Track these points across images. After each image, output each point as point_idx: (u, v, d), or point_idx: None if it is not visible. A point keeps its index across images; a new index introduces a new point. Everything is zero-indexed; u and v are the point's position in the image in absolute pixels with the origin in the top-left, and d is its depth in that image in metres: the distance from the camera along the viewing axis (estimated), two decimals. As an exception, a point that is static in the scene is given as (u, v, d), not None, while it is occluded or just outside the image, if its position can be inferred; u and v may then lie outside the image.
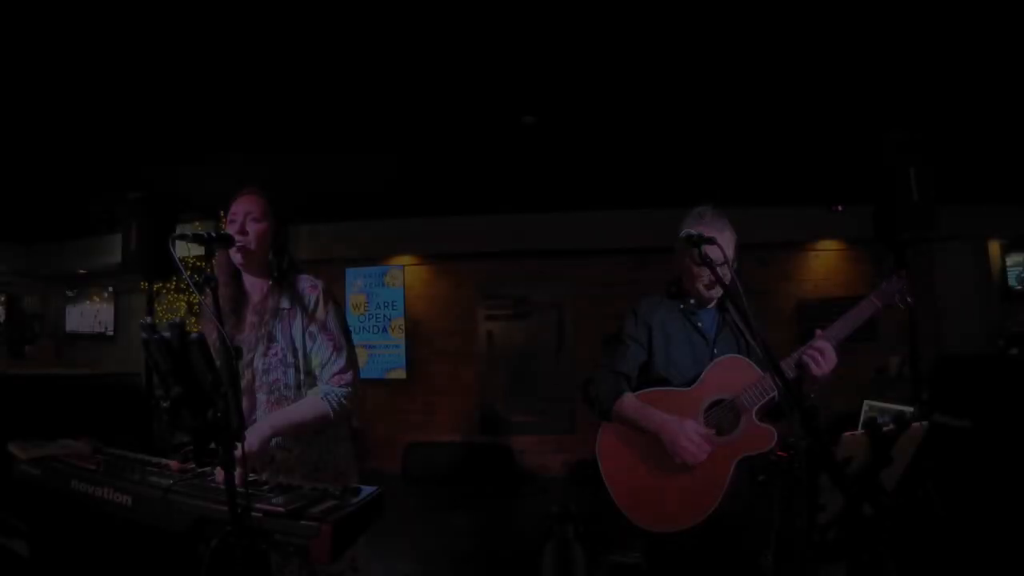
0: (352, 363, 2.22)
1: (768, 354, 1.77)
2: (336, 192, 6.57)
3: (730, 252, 2.28)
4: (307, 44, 3.54)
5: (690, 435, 2.14)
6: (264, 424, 2.00)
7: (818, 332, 2.22)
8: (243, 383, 2.13)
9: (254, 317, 2.18)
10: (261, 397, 2.16)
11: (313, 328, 2.19)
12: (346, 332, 2.27)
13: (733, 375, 2.24)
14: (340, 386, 2.15)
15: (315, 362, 2.19)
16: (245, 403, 2.13)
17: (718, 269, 2.07)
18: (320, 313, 2.20)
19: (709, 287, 2.31)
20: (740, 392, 2.20)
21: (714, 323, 2.40)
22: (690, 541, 2.21)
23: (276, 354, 2.16)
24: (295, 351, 2.18)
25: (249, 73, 3.85)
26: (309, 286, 2.23)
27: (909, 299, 2.29)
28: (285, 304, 2.19)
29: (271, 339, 2.16)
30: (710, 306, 2.41)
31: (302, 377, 2.20)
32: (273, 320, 2.17)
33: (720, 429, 2.22)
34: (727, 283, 2.14)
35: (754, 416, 2.19)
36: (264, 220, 2.19)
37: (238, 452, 1.52)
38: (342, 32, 3.42)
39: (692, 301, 2.40)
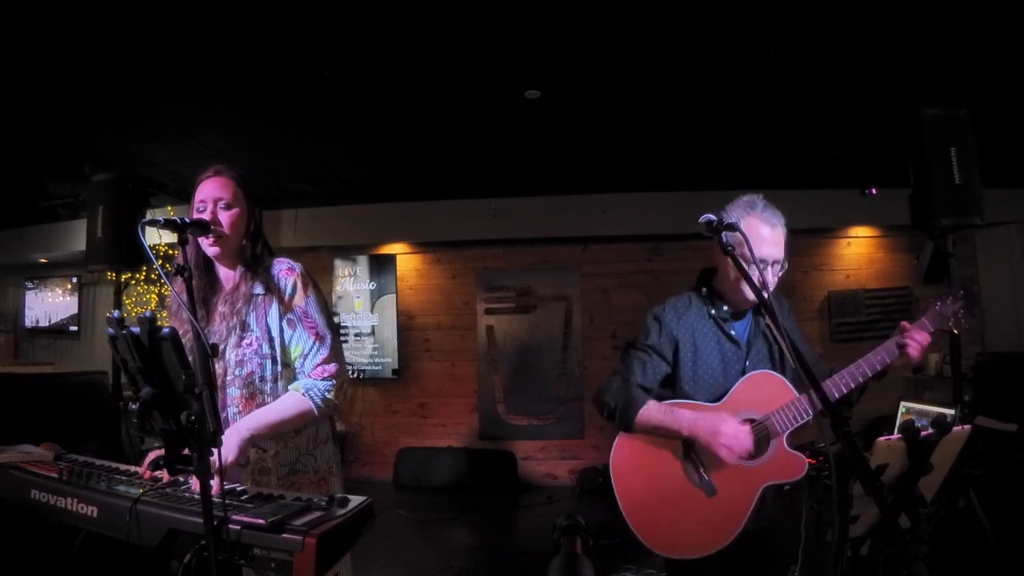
0: (336, 354, 2.20)
1: (807, 372, 1.72)
2: (322, 174, 6.56)
3: (779, 252, 2.26)
4: (293, 11, 3.52)
5: (729, 429, 2.12)
6: (241, 426, 1.98)
7: (904, 324, 2.21)
8: None
9: (224, 307, 2.16)
10: (234, 392, 2.14)
11: (292, 316, 2.17)
12: (329, 320, 2.25)
13: (765, 393, 2.22)
14: (323, 379, 2.13)
15: (295, 353, 2.18)
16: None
17: (748, 267, 2.03)
18: (299, 299, 2.18)
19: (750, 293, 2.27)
20: (771, 413, 2.18)
21: (747, 329, 2.36)
22: (712, 559, 2.21)
23: (251, 344, 2.14)
24: (271, 341, 2.16)
25: (228, 40, 3.82)
26: (286, 269, 2.21)
27: (965, 323, 2.26)
28: (259, 290, 2.17)
29: (244, 328, 2.14)
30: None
31: (279, 369, 2.18)
32: (246, 307, 2.15)
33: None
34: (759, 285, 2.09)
35: (785, 441, 2.18)
36: (236, 204, 2.17)
37: (214, 458, 1.52)
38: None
39: (725, 308, 2.34)
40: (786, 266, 2.29)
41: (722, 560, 2.21)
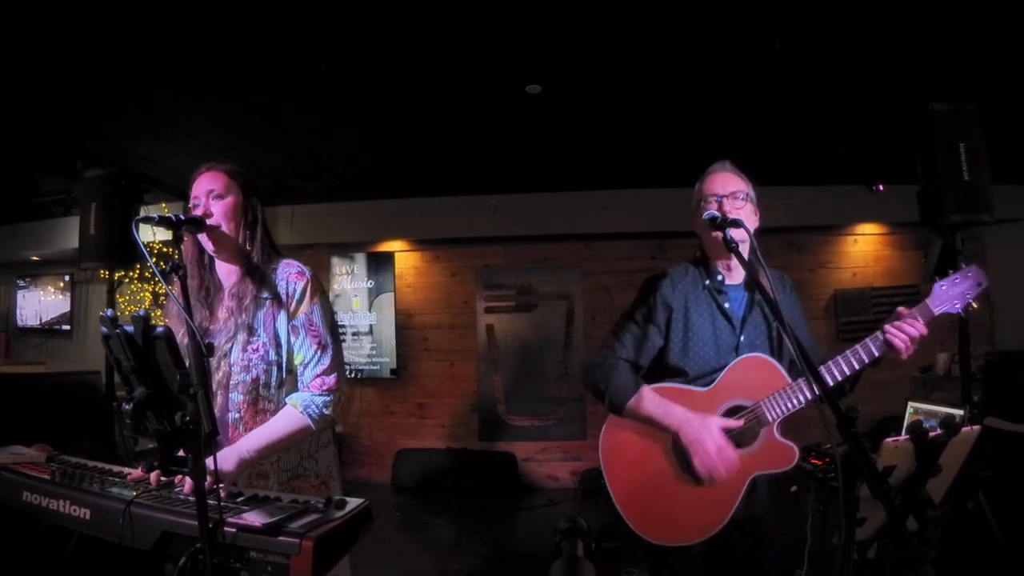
0: (337, 364, 2.20)
1: (804, 357, 1.72)
2: (319, 170, 6.55)
3: (731, 186, 2.35)
4: (290, 4, 3.50)
5: (712, 446, 2.09)
6: (241, 447, 2.00)
7: (900, 310, 2.14)
8: (217, 377, 2.13)
9: (231, 302, 2.16)
10: (236, 397, 2.13)
11: (296, 322, 2.17)
12: (333, 328, 2.25)
13: (756, 378, 2.21)
14: (322, 392, 2.13)
15: (296, 360, 2.18)
16: (217, 400, 2.12)
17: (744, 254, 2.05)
18: (306, 305, 2.18)
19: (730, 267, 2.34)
20: (762, 400, 2.18)
21: (742, 304, 2.35)
22: (701, 558, 2.21)
23: (257, 350, 2.14)
24: (279, 347, 2.17)
25: (224, 34, 3.81)
26: (295, 272, 2.21)
27: (975, 304, 2.19)
28: (267, 293, 2.17)
29: (251, 331, 2.14)
30: (738, 283, 2.37)
31: (283, 376, 2.18)
32: (254, 308, 2.15)
33: (738, 440, 2.19)
34: (753, 271, 2.10)
35: (776, 430, 2.18)
36: (228, 194, 2.17)
37: (210, 460, 1.52)
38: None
39: (720, 278, 2.35)
40: (751, 193, 2.38)
41: (706, 550, 2.21)
